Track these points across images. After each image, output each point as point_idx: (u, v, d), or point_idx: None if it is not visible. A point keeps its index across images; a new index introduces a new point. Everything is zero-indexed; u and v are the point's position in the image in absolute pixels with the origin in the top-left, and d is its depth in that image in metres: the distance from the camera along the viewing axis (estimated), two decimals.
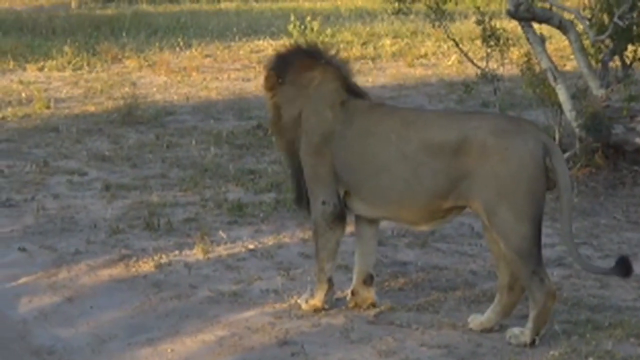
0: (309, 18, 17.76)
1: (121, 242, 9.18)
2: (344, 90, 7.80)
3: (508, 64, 13.08)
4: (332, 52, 8.20)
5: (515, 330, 7.25)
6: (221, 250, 8.90)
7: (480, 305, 7.86)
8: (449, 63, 15.37)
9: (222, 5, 22.86)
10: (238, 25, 18.83)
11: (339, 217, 7.72)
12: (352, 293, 7.90)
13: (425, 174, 7.29)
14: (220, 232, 9.14)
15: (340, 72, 7.95)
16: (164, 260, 8.68)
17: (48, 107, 13.18)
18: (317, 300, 7.82)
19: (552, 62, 11.49)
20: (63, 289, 8.35)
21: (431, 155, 7.28)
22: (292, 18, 17.78)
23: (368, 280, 7.88)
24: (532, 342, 7.16)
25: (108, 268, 8.71)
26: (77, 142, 11.83)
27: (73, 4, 22.85)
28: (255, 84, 14.61)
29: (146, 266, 8.66)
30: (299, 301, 7.91)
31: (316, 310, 7.80)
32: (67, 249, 9.02)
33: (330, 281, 7.83)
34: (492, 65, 12.30)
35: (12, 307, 8.11)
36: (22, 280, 8.54)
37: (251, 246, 9.05)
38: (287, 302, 7.94)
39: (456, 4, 15.25)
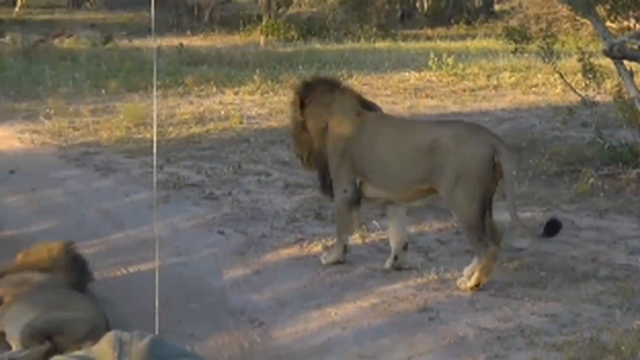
0: (444, 55, 17.69)
1: (297, 228, 9.22)
2: (359, 105, 8.33)
3: (603, 93, 12.89)
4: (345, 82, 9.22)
5: (464, 277, 7.74)
6: (374, 236, 8.90)
7: (578, 284, 7.78)
8: (556, 91, 15.17)
9: (377, 44, 22.82)
10: (389, 60, 18.80)
11: (355, 202, 8.25)
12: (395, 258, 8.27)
13: (412, 166, 7.88)
14: (374, 222, 9.13)
15: (355, 93, 8.62)
16: (330, 243, 8.69)
17: (241, 123, 13.29)
18: (334, 258, 8.29)
19: (638, 91, 11.30)
20: (252, 264, 8.44)
21: (415, 152, 7.86)
22: (432, 55, 17.74)
23: (406, 247, 8.33)
24: (477, 286, 7.63)
25: (287, 248, 8.76)
26: (263, 150, 11.92)
27: (261, 43, 23.03)
28: (401, 106, 14.60)
29: (316, 248, 8.68)
30: (320, 258, 8.36)
31: (335, 264, 8.26)
32: (255, 233, 9.10)
33: (345, 246, 8.33)
34: (590, 93, 12.16)
35: (214, 278, 8.22)
36: (221, 257, 8.64)
37: None
38: (426, 278, 7.93)
39: (562, 45, 15.07)
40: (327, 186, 8.44)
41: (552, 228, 7.77)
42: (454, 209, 7.86)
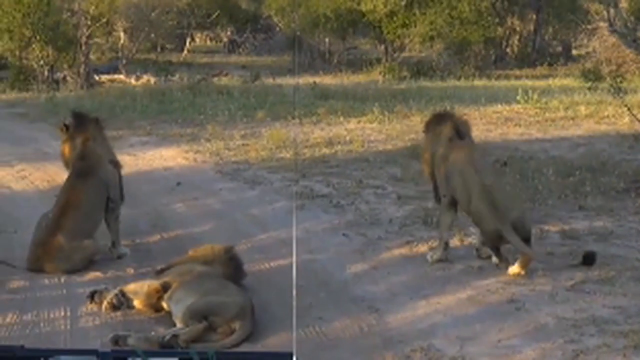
0: (530, 91, 17.45)
1: (407, 232, 9.16)
2: (454, 134, 8.44)
3: None
4: (455, 113, 9.63)
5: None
6: (470, 240, 8.78)
7: None
8: (624, 122, 14.81)
9: (474, 82, 22.62)
10: (484, 95, 18.58)
11: (452, 204, 8.32)
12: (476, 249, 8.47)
13: (469, 187, 8.07)
14: (471, 228, 9.01)
15: (455, 123, 8.57)
16: (434, 244, 8.58)
17: (362, 146, 13.27)
18: (438, 256, 8.27)
19: None
20: (370, 260, 8.41)
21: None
22: (520, 91, 17.53)
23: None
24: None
25: (399, 248, 8.72)
26: (380, 168, 11.88)
27: (379, 81, 23.02)
28: (494, 133, 14.43)
29: (423, 248, 8.60)
30: (427, 257, 8.32)
31: (438, 262, 8.22)
32: (373, 235, 9.07)
33: (446, 244, 8.32)
34: None
35: (339, 271, 8.23)
36: (345, 254, 8.64)
37: None
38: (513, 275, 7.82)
39: (629, 83, 14.79)
40: (437, 196, 8.59)
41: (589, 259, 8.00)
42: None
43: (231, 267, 7.62)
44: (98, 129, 9.04)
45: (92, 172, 8.79)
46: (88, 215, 8.66)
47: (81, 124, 8.94)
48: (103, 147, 9.04)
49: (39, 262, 8.34)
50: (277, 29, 30.60)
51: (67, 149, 8.98)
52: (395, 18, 25.15)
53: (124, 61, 24.52)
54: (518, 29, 28.84)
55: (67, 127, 8.98)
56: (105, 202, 8.79)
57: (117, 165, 9.11)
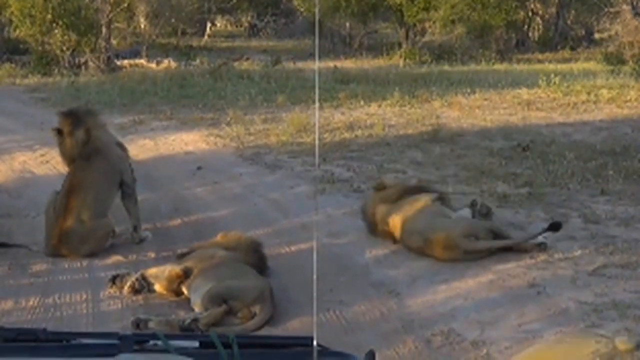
0: (552, 75, 17.37)
1: None
2: None
3: None
4: None
5: None
6: None
7: None
8: None
9: (495, 66, 22.55)
10: (505, 79, 18.51)
11: None
12: None
13: None
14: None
15: None
16: None
17: (383, 130, 13.24)
18: None
19: None
20: (390, 245, 8.38)
21: None
22: (541, 75, 17.45)
23: None
24: None
25: None
26: (401, 152, 11.86)
27: (400, 65, 22.95)
28: (515, 117, 14.37)
29: None
30: None
31: None
32: None
33: None
34: None
35: (359, 255, 8.21)
36: (366, 239, 8.60)
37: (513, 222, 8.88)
38: (535, 259, 7.78)
39: None
40: None
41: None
42: None
43: (254, 258, 7.57)
44: (94, 118, 8.94)
45: (96, 154, 8.65)
46: (96, 196, 8.57)
47: (77, 119, 8.74)
48: (105, 133, 8.98)
49: (56, 249, 8.36)
50: (298, 13, 30.56)
51: (68, 144, 8.66)
52: (416, 2, 25.06)
53: (145, 46, 24.56)
54: (540, 12, 28.71)
55: (59, 130, 8.78)
56: (118, 186, 8.75)
57: (124, 148, 9.06)
